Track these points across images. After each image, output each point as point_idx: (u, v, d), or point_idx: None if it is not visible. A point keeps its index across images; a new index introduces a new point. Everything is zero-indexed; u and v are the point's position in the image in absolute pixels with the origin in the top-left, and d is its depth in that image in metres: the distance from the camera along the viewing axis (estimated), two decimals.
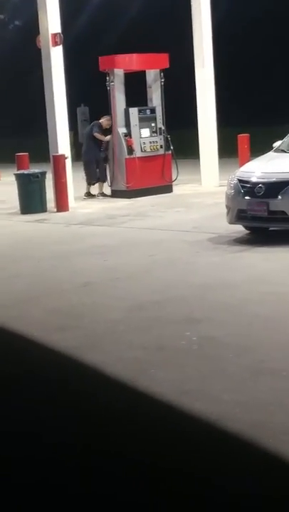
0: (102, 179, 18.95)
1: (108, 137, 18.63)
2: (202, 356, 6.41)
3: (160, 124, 18.83)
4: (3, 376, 0.75)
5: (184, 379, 5.81)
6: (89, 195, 18.96)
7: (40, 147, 21.15)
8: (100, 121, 19.06)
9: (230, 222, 11.86)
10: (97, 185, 19.01)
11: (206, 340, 6.82)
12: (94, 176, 18.94)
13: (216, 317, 7.56)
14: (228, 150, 21.48)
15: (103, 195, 18.91)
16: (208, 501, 0.60)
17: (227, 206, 11.92)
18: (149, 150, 18.60)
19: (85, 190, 18.96)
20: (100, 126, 18.91)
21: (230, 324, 7.30)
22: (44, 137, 18.37)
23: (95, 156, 18.87)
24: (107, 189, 18.95)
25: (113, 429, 0.68)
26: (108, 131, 18.74)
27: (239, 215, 11.59)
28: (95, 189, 19.05)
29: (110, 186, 18.86)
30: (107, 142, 18.63)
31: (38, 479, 0.60)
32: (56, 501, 0.58)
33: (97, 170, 18.91)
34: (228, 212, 11.88)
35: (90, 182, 19.04)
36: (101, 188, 18.99)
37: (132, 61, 19.00)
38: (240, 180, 11.69)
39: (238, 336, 6.90)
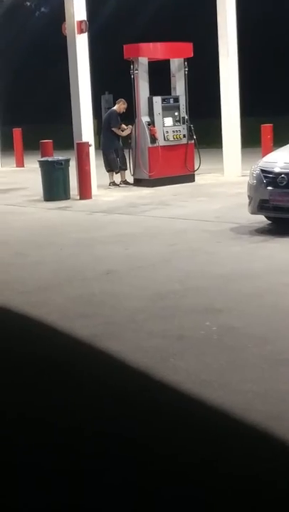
0: (123, 167, 18.95)
1: (126, 132, 18.63)
2: (222, 346, 6.43)
3: (183, 113, 18.79)
4: (23, 361, 0.76)
5: (203, 369, 5.84)
6: (114, 184, 18.98)
7: (64, 134, 21.18)
8: (114, 108, 19.11)
9: (252, 213, 11.85)
10: (119, 173, 19.03)
11: (226, 330, 6.85)
12: (115, 164, 18.94)
13: (236, 307, 7.58)
14: (251, 140, 21.40)
15: (126, 183, 18.93)
16: (227, 491, 0.60)
17: (249, 196, 11.90)
18: (172, 139, 18.58)
19: (108, 180, 18.95)
20: (116, 115, 18.94)
21: (250, 315, 7.31)
22: (68, 124, 18.40)
23: (114, 145, 18.86)
24: (129, 177, 18.97)
25: (130, 416, 0.68)
26: (124, 115, 18.75)
27: (261, 205, 11.57)
28: (117, 178, 19.07)
29: (132, 175, 18.86)
30: (130, 130, 18.63)
31: (55, 462, 0.62)
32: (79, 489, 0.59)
33: (118, 159, 18.91)
34: (250, 203, 11.87)
35: (113, 171, 19.04)
36: (123, 176, 19.01)
37: (156, 49, 18.96)
38: (262, 171, 11.66)
39: (258, 326, 6.91)
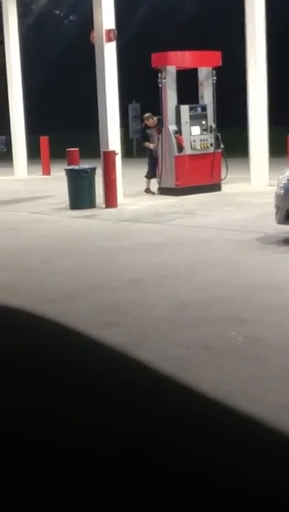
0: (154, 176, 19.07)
1: (152, 145, 18.77)
2: (247, 357, 6.38)
3: (211, 122, 18.78)
4: (53, 367, 0.77)
5: (228, 379, 5.79)
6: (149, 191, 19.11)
7: (91, 143, 21.26)
8: (144, 123, 19.29)
9: (279, 223, 11.78)
10: (151, 180, 19.12)
11: (252, 340, 6.79)
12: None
13: (262, 318, 7.52)
14: (278, 149, 21.34)
15: (148, 191, 19.01)
16: (252, 500, 0.59)
17: (276, 206, 11.83)
18: (199, 148, 18.57)
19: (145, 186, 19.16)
20: (143, 129, 19.28)
21: (276, 325, 7.25)
22: (95, 133, 18.46)
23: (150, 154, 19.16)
24: (154, 186, 19.03)
25: (174, 425, 0.68)
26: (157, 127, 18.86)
27: (288, 216, 11.51)
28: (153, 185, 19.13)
29: (159, 184, 18.87)
30: (158, 139, 18.69)
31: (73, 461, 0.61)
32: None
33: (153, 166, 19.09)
34: (277, 212, 11.80)
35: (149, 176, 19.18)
36: (148, 184, 19.10)
37: (184, 58, 18.98)
38: None
39: (284, 337, 6.85)
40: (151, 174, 19.07)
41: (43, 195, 20.28)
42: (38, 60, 43.61)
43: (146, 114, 19.29)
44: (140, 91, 29.29)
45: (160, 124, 18.53)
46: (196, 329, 7.21)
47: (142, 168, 20.10)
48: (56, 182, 22.00)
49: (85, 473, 0.60)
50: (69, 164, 18.88)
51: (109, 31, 17.53)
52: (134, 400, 0.71)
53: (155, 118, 18.86)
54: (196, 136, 18.54)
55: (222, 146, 18.86)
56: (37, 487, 0.59)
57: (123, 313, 7.94)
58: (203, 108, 18.80)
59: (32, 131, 28.01)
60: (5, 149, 35.87)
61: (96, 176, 17.20)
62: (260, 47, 19.17)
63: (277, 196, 11.80)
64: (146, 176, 19.19)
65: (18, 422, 0.66)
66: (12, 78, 26.43)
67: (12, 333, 0.84)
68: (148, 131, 19.10)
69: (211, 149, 18.75)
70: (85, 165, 17.80)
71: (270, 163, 19.52)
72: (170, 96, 18.37)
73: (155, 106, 18.98)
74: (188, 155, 18.31)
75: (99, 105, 17.92)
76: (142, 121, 20.03)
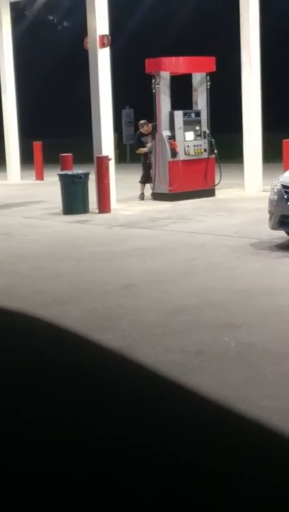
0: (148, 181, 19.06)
1: (145, 149, 18.77)
2: (240, 362, 6.36)
3: (205, 128, 18.79)
4: (51, 369, 0.77)
5: (221, 384, 5.77)
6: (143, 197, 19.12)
7: (84, 148, 21.27)
8: (140, 131, 19.31)
9: (273, 228, 11.77)
10: (148, 186, 19.11)
11: (245, 346, 6.78)
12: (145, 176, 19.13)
13: (256, 323, 7.51)
14: (272, 155, 21.37)
15: (142, 196, 19.03)
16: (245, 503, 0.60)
17: (270, 212, 11.83)
18: (192, 153, 18.58)
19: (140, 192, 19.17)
20: (138, 137, 19.38)
21: (269, 331, 7.24)
22: (89, 138, 18.45)
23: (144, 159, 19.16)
24: (148, 191, 19.03)
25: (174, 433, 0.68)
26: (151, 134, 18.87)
27: (282, 221, 11.50)
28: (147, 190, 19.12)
29: (152, 189, 18.87)
30: (151, 145, 18.68)
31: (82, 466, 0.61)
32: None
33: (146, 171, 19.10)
34: (270, 218, 11.80)
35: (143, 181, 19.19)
36: (142, 189, 19.10)
37: (178, 64, 19.00)
38: (283, 186, 11.59)
39: (277, 342, 6.84)
40: (144, 179, 19.06)
41: (36, 200, 20.26)
42: (32, 65, 43.63)
43: (142, 121, 19.30)
44: (134, 96, 29.31)
45: (155, 131, 18.53)
46: (189, 334, 7.20)
47: (135, 174, 20.12)
48: (49, 187, 21.99)
49: (84, 474, 0.60)
50: (62, 169, 18.86)
51: (102, 37, 17.54)
52: (131, 402, 0.70)
53: (150, 125, 18.87)
54: (189, 141, 18.55)
55: (216, 151, 18.88)
56: (36, 489, 0.58)
57: (116, 318, 7.92)
58: (197, 114, 18.82)
59: (25, 136, 28.01)
60: None
61: (89, 181, 17.18)
62: (254, 52, 19.20)
63: (271, 202, 11.80)
64: (140, 182, 19.20)
65: (15, 423, 0.65)
66: (5, 83, 26.42)
67: (9, 336, 0.83)
68: (142, 138, 19.11)
69: (205, 155, 18.75)
70: (78, 170, 17.79)
71: (264, 168, 19.55)
72: (164, 101, 18.38)
73: (149, 111, 18.99)
74: (182, 160, 18.31)
75: (92, 110, 17.92)
76: (137, 127, 20.05)
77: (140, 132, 19.26)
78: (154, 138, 18.51)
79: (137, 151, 19.35)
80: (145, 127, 19.00)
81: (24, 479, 0.59)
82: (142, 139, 19.17)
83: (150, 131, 18.78)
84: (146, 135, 18.96)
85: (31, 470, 0.59)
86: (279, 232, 11.87)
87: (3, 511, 0.55)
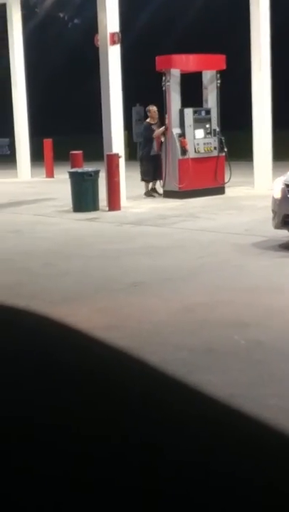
0: (157, 178, 19.04)
1: (162, 128, 18.57)
2: (249, 360, 6.36)
3: (215, 126, 18.76)
4: (57, 369, 0.76)
5: (230, 382, 5.77)
6: (149, 194, 19.12)
7: (94, 146, 21.26)
8: (147, 120, 19.25)
9: (276, 227, 11.70)
10: (151, 183, 19.13)
11: (254, 344, 6.77)
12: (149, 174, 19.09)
13: (265, 321, 7.50)
14: (282, 153, 21.32)
15: (154, 190, 19.03)
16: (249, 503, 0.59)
17: (273, 211, 11.76)
18: (202, 151, 18.56)
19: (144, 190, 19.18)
20: (148, 126, 19.18)
21: (278, 329, 7.23)
22: (99, 136, 18.45)
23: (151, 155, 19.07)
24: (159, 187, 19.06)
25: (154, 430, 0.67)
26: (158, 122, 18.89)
27: (285, 221, 11.41)
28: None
29: (162, 186, 18.87)
30: (161, 143, 18.63)
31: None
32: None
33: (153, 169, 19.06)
34: (274, 217, 11.72)
35: (146, 180, 19.17)
36: (154, 185, 19.13)
37: (188, 61, 18.96)
38: (287, 185, 11.51)
39: (285, 341, 6.83)
40: (150, 178, 19.04)
41: (46, 197, 20.29)
42: (42, 63, 43.65)
43: (151, 107, 19.31)
44: (144, 94, 29.30)
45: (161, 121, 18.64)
46: (199, 333, 7.19)
47: None
48: (59, 184, 22.00)
49: (88, 475, 0.60)
50: (72, 167, 18.87)
51: (113, 34, 17.53)
52: (137, 402, 0.70)
53: (155, 108, 18.95)
54: (199, 139, 18.53)
55: (226, 149, 18.85)
56: (40, 490, 0.58)
57: (125, 316, 7.92)
58: (207, 111, 18.79)
59: (36, 134, 28.03)
60: (9, 152, 35.88)
61: (99, 179, 17.19)
62: (264, 50, 19.17)
63: (274, 201, 11.70)
64: (143, 180, 19.20)
65: (20, 423, 0.65)
66: (16, 81, 26.47)
67: (16, 334, 0.83)
68: (152, 126, 19.07)
69: (215, 153, 18.73)
70: (88, 168, 17.79)
71: (274, 166, 19.50)
72: (174, 99, 18.36)
73: (159, 109, 18.98)
74: (192, 158, 18.29)
75: (103, 108, 17.91)
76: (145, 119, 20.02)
77: (148, 123, 19.20)
78: (162, 124, 18.53)
79: (154, 135, 18.97)
80: (152, 113, 19.03)
81: (28, 480, 0.58)
82: (152, 127, 19.07)
83: (157, 119, 18.85)
84: (154, 124, 18.96)
85: (41, 474, 0.59)
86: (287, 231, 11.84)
87: (3, 511, 0.55)
